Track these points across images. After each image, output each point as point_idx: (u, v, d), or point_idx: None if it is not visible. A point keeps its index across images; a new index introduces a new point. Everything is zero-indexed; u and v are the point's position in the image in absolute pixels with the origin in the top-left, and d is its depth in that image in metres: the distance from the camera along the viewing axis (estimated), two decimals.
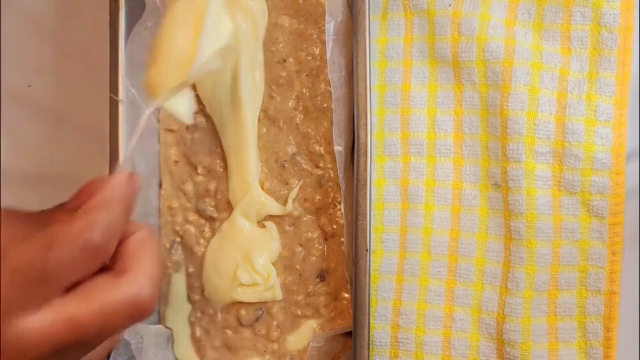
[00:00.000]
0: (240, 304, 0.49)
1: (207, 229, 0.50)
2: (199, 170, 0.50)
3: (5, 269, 0.32)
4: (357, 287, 0.45)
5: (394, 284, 0.47)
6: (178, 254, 0.51)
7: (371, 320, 0.46)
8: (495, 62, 0.46)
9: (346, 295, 0.48)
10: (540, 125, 0.45)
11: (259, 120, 0.49)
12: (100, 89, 0.49)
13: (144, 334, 0.48)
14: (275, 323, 0.49)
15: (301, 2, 0.49)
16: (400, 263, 0.47)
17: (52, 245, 0.33)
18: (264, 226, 0.49)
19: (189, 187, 0.50)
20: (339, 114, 0.47)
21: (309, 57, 0.49)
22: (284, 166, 0.49)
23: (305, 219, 0.49)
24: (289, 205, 0.49)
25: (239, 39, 0.47)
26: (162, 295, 0.51)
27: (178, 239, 0.51)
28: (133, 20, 0.49)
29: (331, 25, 0.47)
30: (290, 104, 0.49)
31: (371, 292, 0.46)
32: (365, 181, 0.45)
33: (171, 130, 0.51)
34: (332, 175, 0.49)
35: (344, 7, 0.47)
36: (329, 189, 0.49)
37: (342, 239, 0.48)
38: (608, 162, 0.45)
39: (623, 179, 0.45)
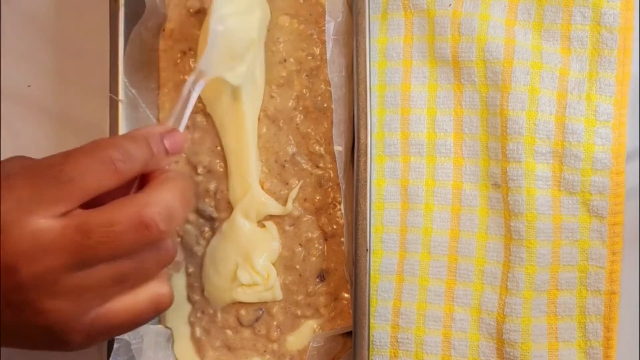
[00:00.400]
0: (240, 304, 0.49)
1: (207, 229, 0.50)
2: (199, 170, 0.50)
3: (24, 164, 0.33)
4: (357, 287, 0.45)
5: (394, 284, 0.47)
6: (178, 254, 0.51)
7: (371, 320, 0.46)
8: (495, 62, 0.46)
9: (346, 295, 0.48)
10: (540, 125, 0.45)
11: (259, 120, 0.49)
12: (100, 89, 0.49)
13: (144, 334, 0.48)
14: (275, 323, 0.49)
15: (301, 1, 0.49)
16: (400, 263, 0.47)
17: (71, 153, 0.34)
18: (264, 226, 0.49)
19: None
20: (339, 114, 0.47)
21: (309, 57, 0.49)
22: (284, 166, 0.49)
23: (305, 219, 0.49)
24: (289, 205, 0.49)
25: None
26: None
27: (178, 239, 0.51)
28: (133, 20, 0.49)
29: (331, 25, 0.47)
30: (290, 103, 0.49)
31: (371, 292, 0.46)
32: (365, 181, 0.45)
33: None
34: (332, 175, 0.49)
35: (344, 7, 0.47)
36: (329, 189, 0.49)
37: (342, 239, 0.48)
38: (608, 162, 0.45)
39: (623, 179, 0.45)
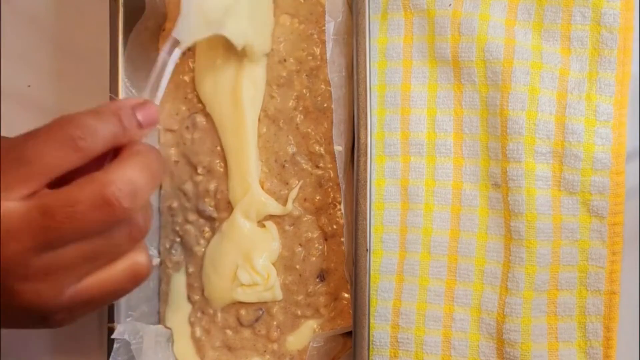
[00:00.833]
0: (240, 304, 0.49)
1: (207, 229, 0.50)
2: (199, 170, 0.50)
3: None
4: (357, 287, 0.45)
5: (394, 284, 0.47)
6: (178, 254, 0.51)
7: (371, 320, 0.46)
8: (495, 62, 0.46)
9: (346, 295, 0.48)
10: (540, 125, 0.45)
11: (259, 120, 0.49)
12: (100, 89, 0.49)
13: (144, 334, 0.48)
14: (275, 323, 0.49)
15: (302, 1, 0.49)
16: (400, 263, 0.47)
17: (32, 133, 0.34)
18: (264, 226, 0.49)
19: (188, 187, 0.50)
20: (339, 114, 0.47)
21: (309, 57, 0.49)
22: (284, 166, 0.49)
23: (305, 219, 0.49)
24: (289, 205, 0.49)
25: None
26: (162, 296, 0.51)
27: (178, 239, 0.51)
28: (133, 20, 0.49)
29: (331, 25, 0.47)
30: (290, 103, 0.49)
31: (371, 292, 0.46)
32: (365, 181, 0.45)
33: (171, 130, 0.51)
34: (332, 175, 0.49)
35: (344, 7, 0.47)
36: (329, 189, 0.49)
37: (342, 239, 0.48)
38: (608, 162, 0.45)
39: (623, 179, 0.45)
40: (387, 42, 0.48)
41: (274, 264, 0.49)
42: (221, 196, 0.50)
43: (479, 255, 0.46)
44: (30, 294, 0.34)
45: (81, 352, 0.53)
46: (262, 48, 0.49)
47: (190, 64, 0.51)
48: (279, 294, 0.49)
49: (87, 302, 0.36)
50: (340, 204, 0.48)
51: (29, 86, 0.55)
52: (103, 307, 0.45)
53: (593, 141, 0.45)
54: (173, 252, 0.51)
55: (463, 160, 0.47)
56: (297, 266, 0.49)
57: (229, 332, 0.50)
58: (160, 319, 0.51)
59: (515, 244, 0.45)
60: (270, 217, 0.49)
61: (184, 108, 0.51)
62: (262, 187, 0.49)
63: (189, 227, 0.50)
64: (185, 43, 0.41)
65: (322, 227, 0.49)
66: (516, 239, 0.45)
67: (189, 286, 0.50)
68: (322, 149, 0.49)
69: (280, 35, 0.49)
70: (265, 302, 0.49)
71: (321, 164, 0.49)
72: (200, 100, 0.50)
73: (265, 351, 0.49)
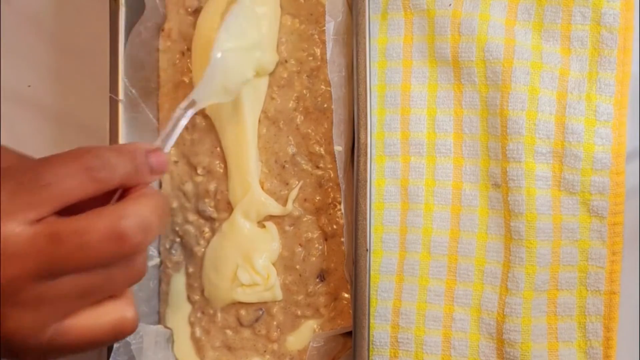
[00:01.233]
0: (240, 304, 0.49)
1: (207, 229, 0.50)
2: (199, 170, 0.50)
3: (3, 165, 0.32)
4: (357, 287, 0.45)
5: (394, 284, 0.47)
6: (178, 254, 0.51)
7: (371, 320, 0.46)
8: (495, 62, 0.46)
9: (346, 295, 0.48)
10: (540, 125, 0.45)
11: (259, 121, 0.49)
12: (100, 89, 0.49)
13: (144, 334, 0.48)
14: (275, 323, 0.49)
15: (302, 1, 0.49)
16: (400, 263, 0.47)
17: (50, 158, 0.33)
18: (264, 226, 0.49)
19: (188, 187, 0.50)
20: (339, 114, 0.47)
21: (310, 58, 0.49)
22: (284, 166, 0.49)
23: (305, 219, 0.49)
24: (289, 205, 0.49)
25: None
26: (162, 296, 0.51)
27: (178, 239, 0.51)
28: (133, 20, 0.49)
29: (331, 25, 0.47)
30: (290, 104, 0.49)
31: (371, 292, 0.46)
32: (365, 181, 0.45)
33: None
34: (332, 175, 0.49)
35: (344, 7, 0.47)
36: (329, 189, 0.49)
37: (342, 239, 0.48)
38: (608, 162, 0.45)
39: (623, 179, 0.45)
40: (387, 42, 0.48)
41: (274, 264, 0.49)
42: (221, 196, 0.50)
43: (479, 255, 0.46)
44: (13, 322, 0.33)
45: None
46: (271, 65, 0.49)
47: (189, 65, 0.51)
48: (279, 294, 0.49)
49: (64, 346, 0.35)
50: (340, 204, 0.48)
51: (29, 86, 0.55)
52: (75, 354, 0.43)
53: (593, 141, 0.45)
54: (173, 252, 0.51)
55: (463, 160, 0.47)
56: (297, 266, 0.49)
57: (229, 332, 0.50)
58: (160, 319, 0.51)
59: (515, 244, 0.45)
60: (270, 217, 0.49)
61: None
62: (262, 188, 0.49)
63: (189, 227, 0.50)
64: (202, 104, 0.43)
65: (322, 227, 0.49)
66: (516, 239, 0.45)
67: (189, 286, 0.50)
68: (322, 149, 0.49)
69: (282, 36, 0.49)
70: (265, 302, 0.49)
71: (321, 164, 0.49)
72: None
73: (265, 351, 0.49)
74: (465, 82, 0.47)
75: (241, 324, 0.50)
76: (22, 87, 0.55)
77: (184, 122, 0.41)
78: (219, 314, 0.50)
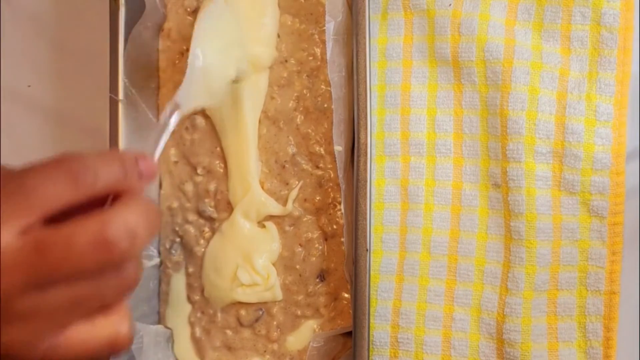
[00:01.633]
0: (240, 304, 0.49)
1: (207, 229, 0.50)
2: (199, 170, 0.50)
3: None
4: (357, 287, 0.45)
5: (394, 284, 0.47)
6: (178, 254, 0.51)
7: (371, 320, 0.46)
8: (495, 62, 0.46)
9: (346, 295, 0.48)
10: (540, 125, 0.45)
11: (259, 121, 0.49)
12: (100, 89, 0.49)
13: (144, 334, 0.48)
14: (275, 323, 0.49)
15: (302, 1, 0.49)
16: (400, 263, 0.47)
17: (34, 165, 0.32)
18: (264, 226, 0.49)
19: (188, 187, 0.50)
20: (339, 114, 0.47)
21: (310, 58, 0.49)
22: (284, 166, 0.49)
23: (306, 219, 0.49)
24: (289, 205, 0.49)
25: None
26: (162, 296, 0.51)
27: (178, 239, 0.51)
28: (133, 20, 0.49)
29: (331, 25, 0.47)
30: (290, 104, 0.49)
31: (371, 292, 0.46)
32: (365, 181, 0.45)
33: None
34: (332, 175, 0.49)
35: (344, 7, 0.47)
36: (329, 189, 0.49)
37: (342, 239, 0.48)
38: (608, 162, 0.45)
39: (623, 179, 0.45)
40: (387, 42, 0.48)
41: (274, 264, 0.49)
42: (221, 197, 0.50)
43: (479, 255, 0.46)
44: (5, 336, 0.32)
45: None
46: (268, 60, 0.49)
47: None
48: (279, 294, 0.49)
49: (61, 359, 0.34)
50: (340, 204, 0.48)
51: (29, 86, 0.55)
52: None
53: (593, 141, 0.45)
54: (173, 252, 0.51)
55: (463, 160, 0.47)
56: (297, 266, 0.49)
57: (229, 332, 0.50)
58: (160, 319, 0.51)
59: (515, 244, 0.45)
60: (270, 217, 0.49)
61: None
62: (263, 188, 0.49)
63: (188, 227, 0.50)
64: (186, 108, 0.42)
65: (322, 227, 0.49)
66: (516, 239, 0.45)
67: (189, 286, 0.50)
68: (322, 149, 0.49)
69: (281, 35, 0.49)
70: (265, 302, 0.49)
71: (321, 164, 0.49)
72: None
73: (265, 351, 0.49)
74: (465, 82, 0.47)
75: (241, 324, 0.50)
76: (22, 87, 0.55)
77: (170, 127, 0.40)
78: (219, 314, 0.50)
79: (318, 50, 0.49)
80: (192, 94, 0.42)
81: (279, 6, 0.49)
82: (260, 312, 0.49)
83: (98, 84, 0.51)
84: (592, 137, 0.45)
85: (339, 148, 0.47)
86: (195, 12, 0.51)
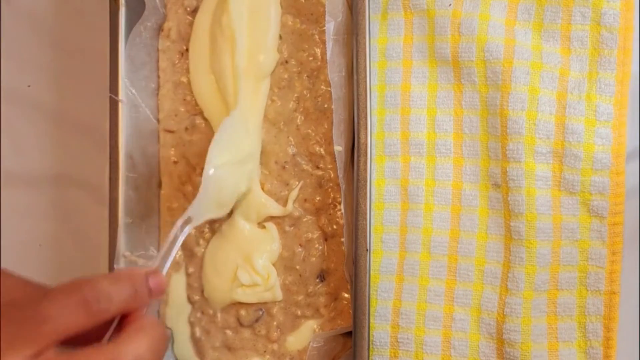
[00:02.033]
0: (240, 304, 0.49)
1: (206, 230, 0.50)
2: (198, 171, 0.50)
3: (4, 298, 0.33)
4: (357, 287, 0.45)
5: (394, 284, 0.47)
6: (178, 255, 0.51)
7: (371, 320, 0.46)
8: (495, 62, 0.46)
9: (346, 295, 0.48)
10: (540, 125, 0.45)
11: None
12: (100, 89, 0.49)
13: None
14: (275, 323, 0.49)
15: (303, 1, 0.49)
16: (400, 263, 0.47)
17: (49, 292, 0.34)
18: (264, 227, 0.49)
19: (188, 187, 0.50)
20: (339, 114, 0.47)
21: (310, 58, 0.49)
22: (284, 167, 0.49)
23: (306, 219, 0.49)
24: (289, 206, 0.48)
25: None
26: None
27: None
28: (133, 20, 0.49)
29: (331, 25, 0.47)
30: (291, 105, 0.49)
31: (371, 292, 0.46)
32: (365, 181, 0.45)
33: (170, 131, 0.51)
34: (332, 175, 0.49)
35: (344, 7, 0.47)
36: (329, 190, 0.49)
37: (342, 239, 0.48)
38: (608, 162, 0.45)
39: (623, 179, 0.45)
40: (387, 42, 0.48)
41: (274, 265, 0.49)
42: None
43: (479, 255, 0.46)
44: None
45: None
46: (272, 65, 0.49)
47: (189, 65, 0.51)
48: (279, 295, 0.49)
49: None
50: (340, 204, 0.48)
51: (29, 86, 0.55)
52: None
53: (593, 141, 0.45)
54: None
55: (463, 160, 0.47)
56: (297, 266, 0.49)
57: (228, 332, 0.50)
58: (160, 319, 0.51)
59: (515, 244, 0.45)
60: (271, 217, 0.49)
61: (182, 109, 0.51)
62: (263, 188, 0.49)
63: None
64: (197, 222, 0.43)
65: (322, 228, 0.49)
66: (516, 239, 0.45)
67: (189, 286, 0.50)
68: (322, 150, 0.49)
69: (283, 35, 0.49)
70: (265, 303, 0.49)
71: (321, 165, 0.49)
72: (197, 104, 0.50)
73: (265, 351, 0.49)
74: (465, 82, 0.47)
75: (241, 324, 0.50)
76: (22, 87, 0.55)
77: (180, 240, 0.42)
78: (218, 314, 0.50)
79: (318, 51, 0.49)
80: (203, 207, 0.44)
81: (281, 6, 0.49)
82: (260, 312, 0.49)
83: (98, 84, 0.51)
84: (592, 137, 0.45)
85: (339, 148, 0.47)
86: (195, 11, 0.51)
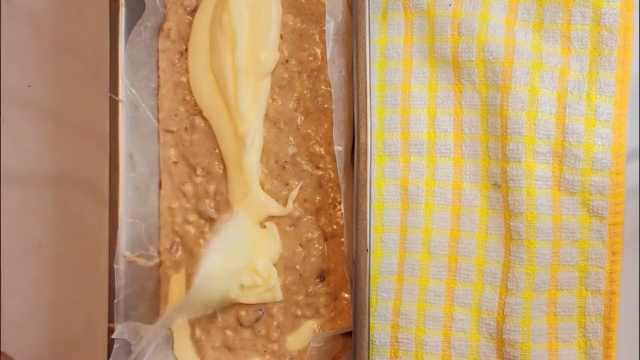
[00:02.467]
0: (240, 304, 0.49)
1: (207, 230, 0.50)
2: (198, 171, 0.50)
3: None
4: (357, 287, 0.45)
5: (394, 284, 0.47)
6: (178, 254, 0.51)
7: (371, 320, 0.46)
8: (495, 62, 0.46)
9: (346, 295, 0.48)
10: (540, 125, 0.45)
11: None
12: (100, 89, 0.49)
13: (144, 334, 0.48)
14: (275, 323, 0.49)
15: (303, 1, 0.49)
16: (400, 263, 0.47)
17: None
18: (264, 227, 0.49)
19: (188, 188, 0.50)
20: (339, 114, 0.47)
21: (311, 58, 0.49)
22: (284, 167, 0.49)
23: (306, 219, 0.49)
24: (289, 205, 0.48)
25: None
26: (162, 296, 0.51)
27: (178, 239, 0.51)
28: (133, 20, 0.49)
29: (331, 25, 0.47)
30: (291, 105, 0.49)
31: (371, 292, 0.46)
32: (365, 181, 0.45)
33: (170, 131, 0.51)
34: (332, 175, 0.49)
35: (344, 7, 0.47)
36: (329, 190, 0.49)
37: (342, 239, 0.48)
38: (608, 162, 0.45)
39: (623, 179, 0.45)
40: (387, 42, 0.48)
41: (274, 265, 0.49)
42: (221, 197, 0.50)
43: (479, 255, 0.46)
44: None
45: (81, 351, 0.53)
46: (272, 64, 0.49)
47: (188, 65, 0.51)
48: (279, 295, 0.49)
49: None
50: (340, 204, 0.48)
51: (29, 86, 0.55)
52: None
53: (593, 141, 0.45)
54: (173, 252, 0.51)
55: (463, 160, 0.47)
56: (297, 266, 0.49)
57: (228, 332, 0.50)
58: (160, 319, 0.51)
59: (515, 244, 0.45)
60: (271, 217, 0.49)
61: (182, 109, 0.51)
62: (263, 188, 0.49)
63: (189, 227, 0.50)
64: (184, 318, 0.45)
65: (322, 228, 0.49)
66: (516, 239, 0.45)
67: (189, 286, 0.50)
68: (322, 150, 0.49)
69: (283, 35, 0.49)
70: (265, 303, 0.49)
71: (321, 165, 0.49)
72: (196, 104, 0.50)
73: (265, 351, 0.49)
74: (465, 82, 0.47)
75: (241, 325, 0.50)
76: (22, 87, 0.55)
77: (164, 332, 0.43)
78: (219, 315, 0.50)
79: (318, 51, 0.49)
80: (191, 306, 0.45)
81: (282, 5, 0.49)
82: (260, 312, 0.49)
83: (98, 84, 0.51)
84: (592, 137, 0.45)
85: (339, 148, 0.47)
86: (194, 11, 0.51)
